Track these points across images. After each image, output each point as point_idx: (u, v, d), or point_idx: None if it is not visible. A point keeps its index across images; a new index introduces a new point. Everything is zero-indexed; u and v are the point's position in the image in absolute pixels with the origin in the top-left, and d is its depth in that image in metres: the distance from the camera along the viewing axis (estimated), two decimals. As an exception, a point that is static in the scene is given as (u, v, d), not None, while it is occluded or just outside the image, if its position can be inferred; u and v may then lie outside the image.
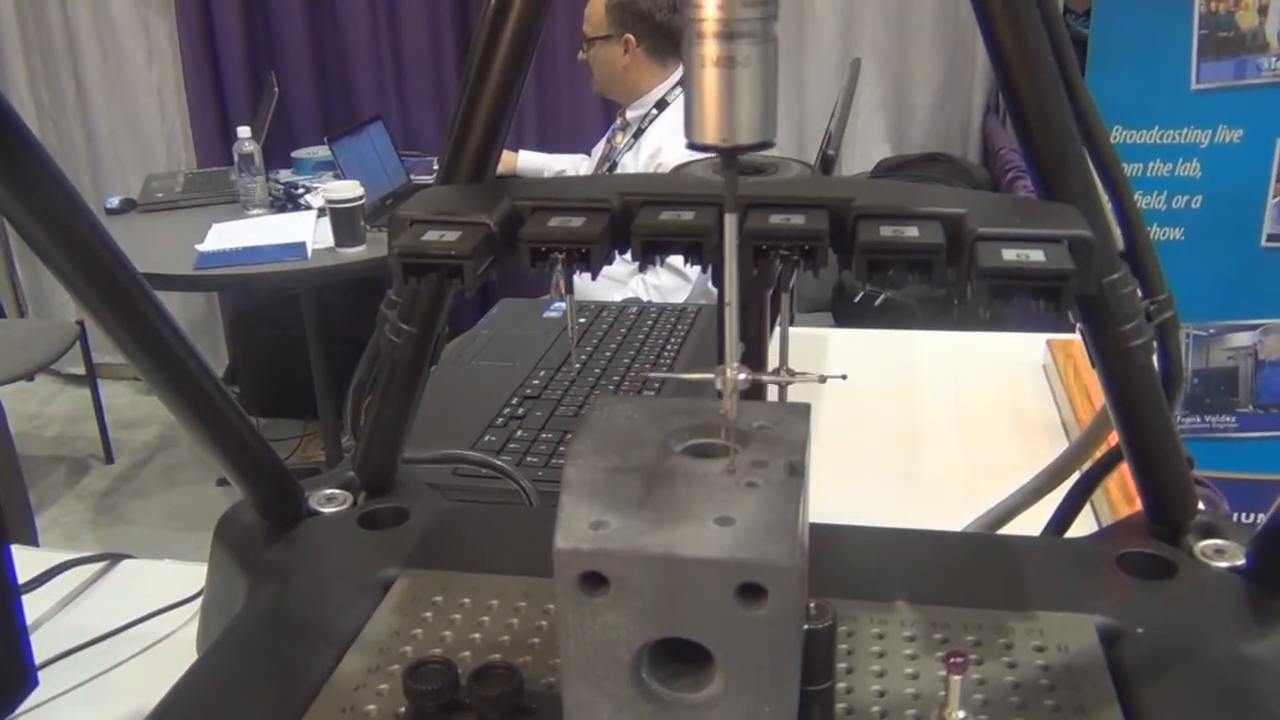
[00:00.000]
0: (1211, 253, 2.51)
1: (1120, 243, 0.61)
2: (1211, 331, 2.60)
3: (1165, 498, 0.64)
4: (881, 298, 2.27)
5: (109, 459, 3.50)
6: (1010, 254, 0.49)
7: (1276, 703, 0.52)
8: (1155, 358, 0.62)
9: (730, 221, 0.49)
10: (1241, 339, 2.62)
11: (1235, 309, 2.71)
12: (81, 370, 3.48)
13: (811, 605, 0.46)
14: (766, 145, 0.49)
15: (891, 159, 3.19)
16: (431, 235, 0.52)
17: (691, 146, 0.48)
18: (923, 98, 3.21)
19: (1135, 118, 2.47)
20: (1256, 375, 2.64)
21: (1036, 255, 0.49)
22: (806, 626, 0.45)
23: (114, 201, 3.07)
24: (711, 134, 0.47)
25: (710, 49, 0.46)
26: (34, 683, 0.59)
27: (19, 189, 0.51)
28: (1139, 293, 0.60)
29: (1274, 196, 2.49)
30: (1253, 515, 2.61)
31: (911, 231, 0.51)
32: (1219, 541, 0.63)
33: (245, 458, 0.65)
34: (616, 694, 0.38)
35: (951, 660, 0.39)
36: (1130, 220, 0.61)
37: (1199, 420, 2.70)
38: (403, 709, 0.51)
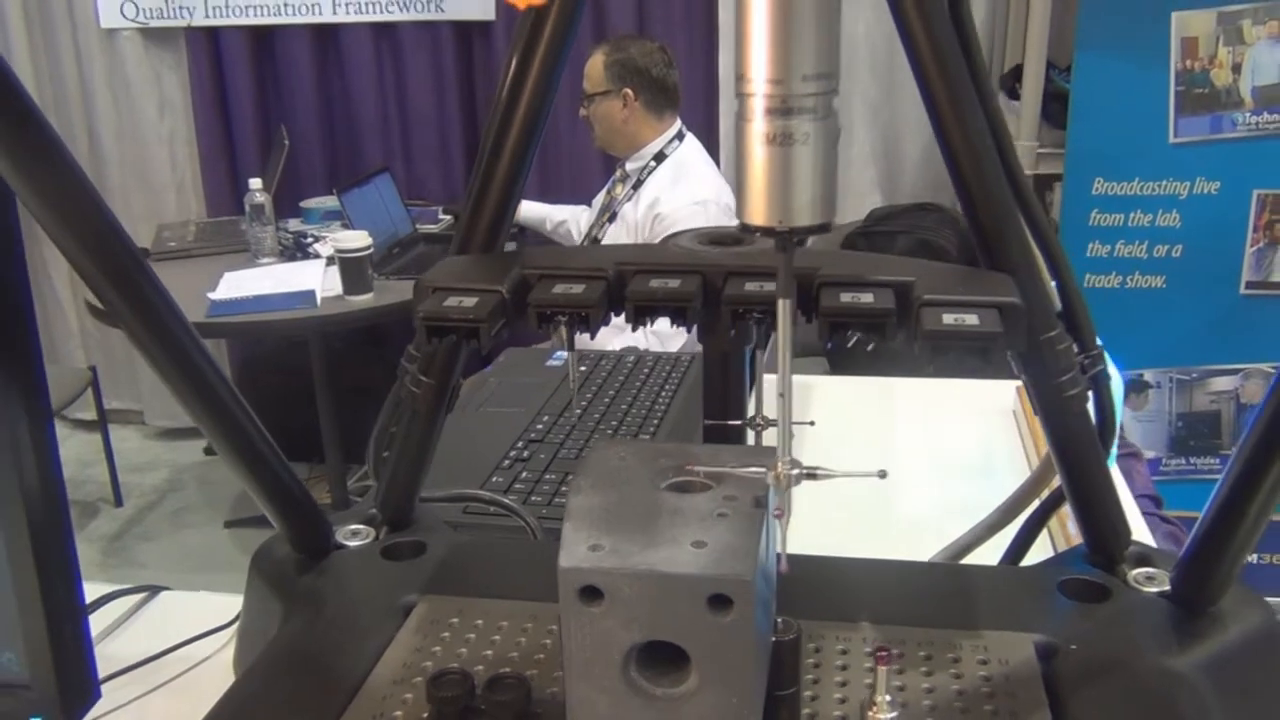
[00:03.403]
0: (1192, 300, 2.61)
1: (1057, 304, 0.69)
2: (1194, 376, 2.68)
3: (1101, 530, 0.72)
4: (873, 343, 2.36)
5: (118, 502, 3.56)
6: (949, 318, 0.57)
7: (1191, 709, 0.60)
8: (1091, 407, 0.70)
9: (784, 309, 0.50)
10: (1223, 383, 2.70)
11: (1217, 354, 2.79)
12: (92, 415, 3.55)
13: (779, 621, 0.54)
14: (824, 229, 0.49)
15: (882, 209, 3.28)
16: (451, 301, 0.60)
17: (743, 228, 0.49)
18: (912, 149, 3.30)
19: (1116, 170, 2.57)
20: (1238, 418, 2.72)
21: (971, 319, 0.57)
22: (774, 639, 0.53)
23: (127, 250, 3.15)
24: (764, 216, 0.47)
25: (764, 125, 0.46)
26: (98, 694, 0.66)
27: (85, 242, 0.59)
28: (1074, 348, 0.68)
29: (1252, 245, 2.58)
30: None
31: (867, 298, 0.60)
32: (1150, 569, 0.71)
33: (282, 495, 0.73)
34: (610, 689, 0.46)
35: (879, 654, 0.47)
36: (1065, 284, 0.69)
37: (1183, 462, 2.78)
38: (425, 714, 0.59)
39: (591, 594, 0.44)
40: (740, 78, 0.46)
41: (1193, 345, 2.64)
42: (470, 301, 0.60)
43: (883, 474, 0.51)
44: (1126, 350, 2.62)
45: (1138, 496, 1.37)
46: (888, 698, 0.48)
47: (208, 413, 0.66)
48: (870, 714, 0.48)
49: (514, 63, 0.66)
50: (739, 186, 0.49)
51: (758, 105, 0.46)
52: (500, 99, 0.68)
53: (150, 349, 0.63)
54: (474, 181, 0.69)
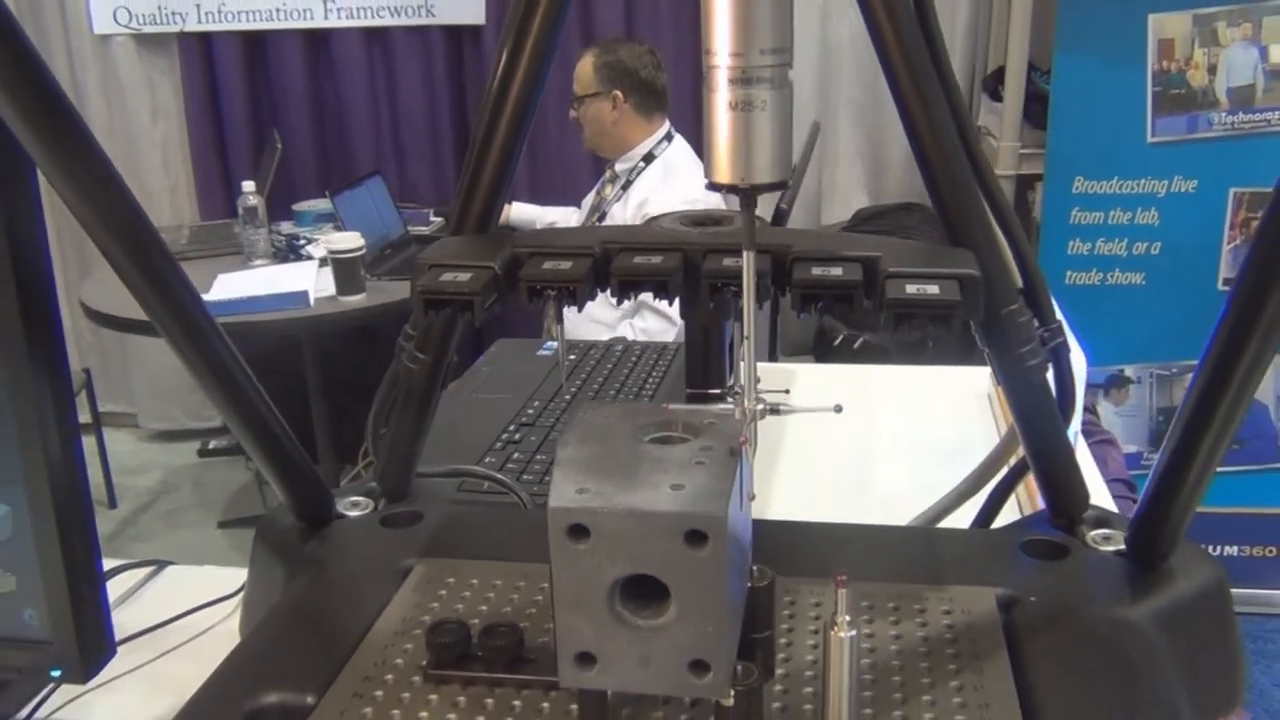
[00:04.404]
0: (1171, 296, 2.65)
1: (1019, 281, 0.73)
2: (1173, 371, 2.73)
3: (1061, 494, 0.76)
4: (860, 340, 2.47)
5: (112, 504, 3.58)
6: (912, 288, 0.61)
7: (1138, 652, 0.64)
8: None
9: (749, 259, 0.56)
10: (1202, 378, 2.74)
11: (1195, 349, 2.80)
12: (86, 418, 3.57)
13: (754, 569, 0.58)
14: (781, 186, 0.56)
15: (868, 209, 3.33)
16: (447, 277, 0.65)
17: (710, 186, 0.56)
18: (897, 151, 3.35)
19: (1095, 169, 2.62)
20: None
21: (932, 289, 0.61)
22: (750, 585, 0.57)
23: (122, 253, 3.17)
24: (728, 175, 0.54)
25: (728, 94, 0.52)
26: (113, 651, 0.70)
27: (129, 246, 0.64)
28: (1034, 322, 0.72)
29: (1229, 243, 2.63)
30: (1218, 548, 2.73)
31: (836, 271, 0.64)
32: (1107, 530, 0.75)
33: (287, 465, 0.76)
34: (596, 621, 0.50)
35: (838, 579, 0.51)
36: (1026, 262, 0.73)
37: (1164, 456, 2.82)
38: (424, 662, 0.63)
39: (578, 532, 0.49)
40: (706, 52, 0.52)
41: (1172, 341, 2.68)
42: (465, 277, 0.64)
43: (838, 409, 0.56)
44: (1107, 346, 2.67)
45: (1111, 480, 1.41)
46: (847, 617, 0.52)
47: (216, 379, 0.70)
48: (833, 632, 0.52)
49: (505, 51, 0.70)
50: (706, 150, 0.54)
51: (721, 76, 0.52)
52: (492, 86, 0.72)
53: (164, 320, 0.66)
54: (467, 166, 0.73)
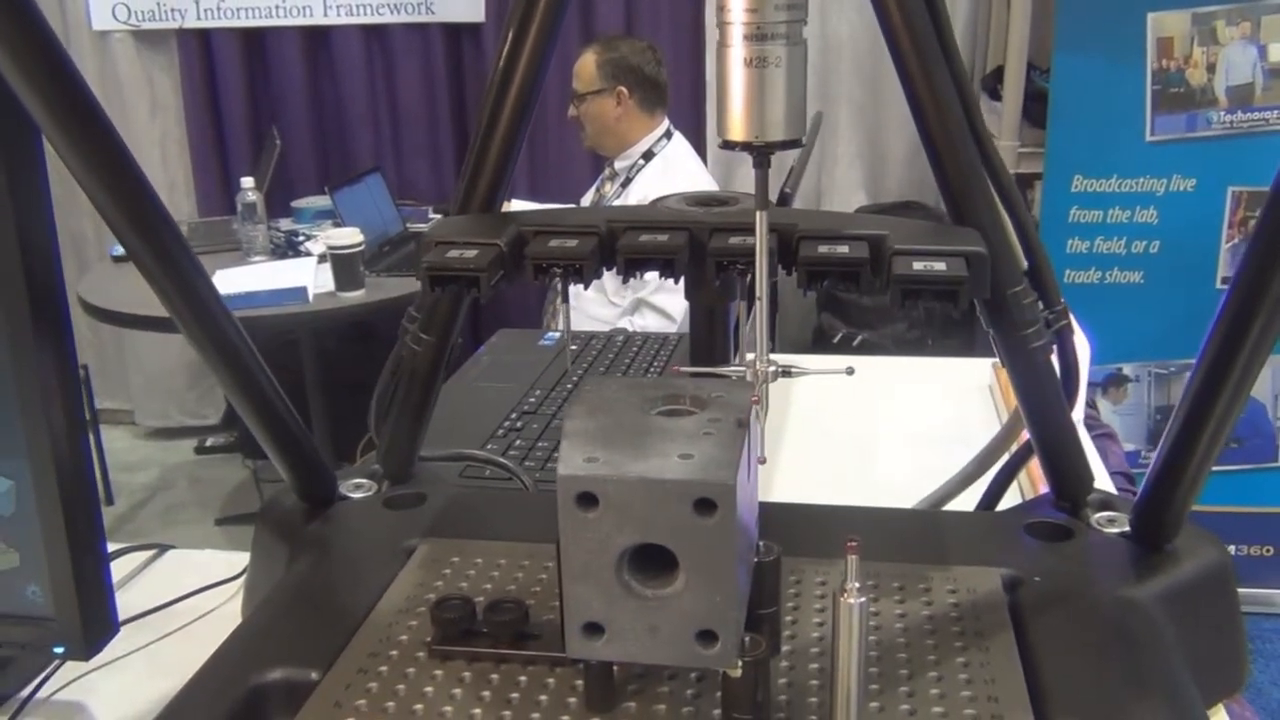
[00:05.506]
0: (1170, 295, 2.65)
1: (1024, 262, 0.73)
2: (1172, 370, 2.73)
3: (1065, 476, 0.76)
4: (859, 338, 2.47)
5: (109, 500, 3.57)
6: (919, 265, 0.61)
7: (1142, 631, 0.64)
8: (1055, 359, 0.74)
9: (761, 219, 0.57)
10: (1200, 377, 2.74)
11: (1193, 348, 2.81)
12: (84, 415, 3.56)
13: (760, 544, 0.58)
14: (795, 144, 0.56)
15: (869, 207, 3.34)
16: (453, 253, 0.64)
17: (724, 145, 0.56)
18: (896, 149, 3.35)
19: (1094, 167, 2.62)
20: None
21: (939, 266, 0.61)
22: (756, 560, 0.57)
23: (119, 249, 3.17)
24: (742, 132, 0.54)
25: (743, 50, 0.53)
26: (116, 628, 0.70)
27: (150, 244, 0.64)
28: (1039, 304, 0.72)
29: (1227, 241, 2.64)
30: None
31: (843, 249, 0.64)
32: (1111, 513, 0.75)
33: (291, 445, 0.76)
34: (604, 590, 0.50)
35: (848, 544, 0.51)
36: (1031, 243, 0.73)
37: (1162, 455, 2.82)
38: (429, 638, 0.63)
39: (587, 500, 0.48)
40: (721, 8, 0.52)
41: (1170, 339, 2.68)
42: (471, 253, 0.64)
43: (850, 370, 0.56)
44: (1105, 345, 2.67)
45: (1112, 474, 1.41)
46: (856, 584, 0.52)
47: (224, 360, 0.70)
48: (842, 598, 0.52)
49: (511, 32, 0.70)
50: (719, 108, 0.54)
51: (736, 33, 0.52)
52: (498, 67, 0.72)
53: (170, 295, 0.66)
54: (473, 145, 0.73)
